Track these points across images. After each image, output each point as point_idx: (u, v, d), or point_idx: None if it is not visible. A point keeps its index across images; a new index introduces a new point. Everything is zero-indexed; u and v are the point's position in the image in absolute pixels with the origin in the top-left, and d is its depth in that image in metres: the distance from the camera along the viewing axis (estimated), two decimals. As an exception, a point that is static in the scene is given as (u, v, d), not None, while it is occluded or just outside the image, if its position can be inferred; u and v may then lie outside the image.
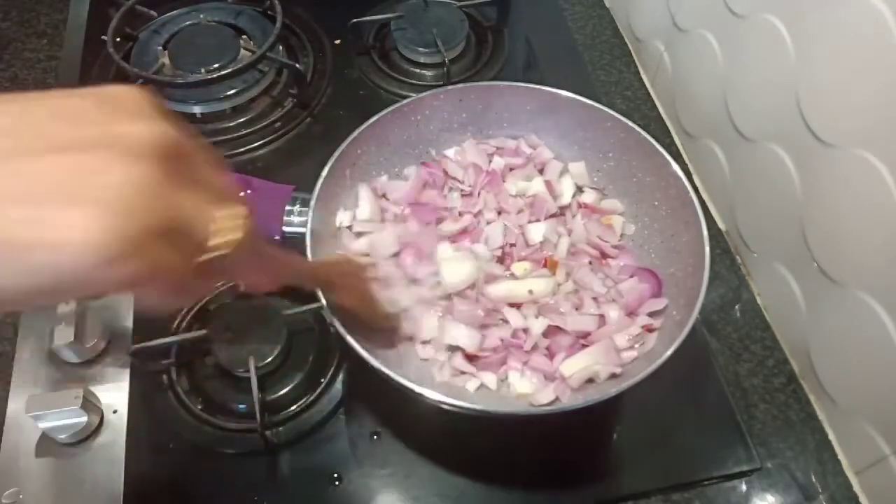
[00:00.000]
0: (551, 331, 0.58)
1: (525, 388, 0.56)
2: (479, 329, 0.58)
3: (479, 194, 0.66)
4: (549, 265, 0.62)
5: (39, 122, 0.26)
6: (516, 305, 0.60)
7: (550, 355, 0.58)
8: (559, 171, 0.68)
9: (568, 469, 0.60)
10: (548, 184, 0.66)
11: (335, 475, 0.58)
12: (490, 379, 0.57)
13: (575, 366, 0.56)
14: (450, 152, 0.70)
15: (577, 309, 0.60)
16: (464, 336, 0.57)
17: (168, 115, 0.30)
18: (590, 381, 0.56)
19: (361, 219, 0.64)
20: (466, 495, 0.58)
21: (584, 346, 0.58)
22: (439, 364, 0.57)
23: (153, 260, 0.27)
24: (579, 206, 0.67)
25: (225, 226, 0.30)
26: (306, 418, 0.61)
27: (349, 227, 0.64)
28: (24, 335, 0.64)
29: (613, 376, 0.55)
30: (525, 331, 0.59)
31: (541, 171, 0.68)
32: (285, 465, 0.59)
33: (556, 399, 0.55)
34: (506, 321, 0.59)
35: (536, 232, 0.64)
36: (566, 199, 0.66)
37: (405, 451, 0.60)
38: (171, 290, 0.30)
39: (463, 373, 0.57)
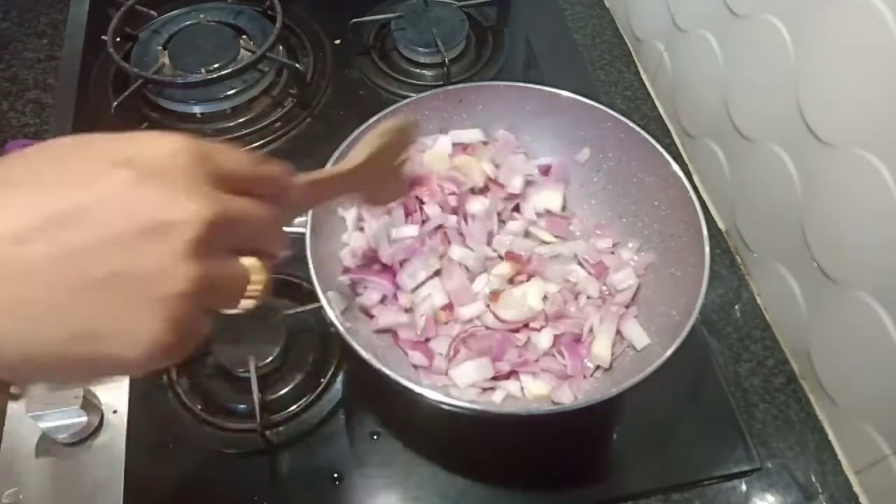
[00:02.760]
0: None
1: (541, 390, 0.57)
2: (491, 358, 0.58)
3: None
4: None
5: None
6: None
7: (568, 353, 0.59)
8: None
9: (568, 469, 0.60)
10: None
11: (335, 475, 0.58)
12: (514, 387, 0.58)
13: (604, 346, 0.58)
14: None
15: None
16: (473, 372, 0.57)
17: (209, 151, 0.29)
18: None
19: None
20: (466, 495, 0.58)
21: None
22: (459, 392, 0.58)
23: (186, 347, 0.29)
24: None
25: (254, 283, 0.32)
26: (306, 418, 0.61)
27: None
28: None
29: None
30: (525, 345, 0.60)
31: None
32: (285, 465, 0.59)
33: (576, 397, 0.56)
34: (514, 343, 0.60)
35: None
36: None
37: (405, 451, 0.60)
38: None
39: (485, 389, 0.58)
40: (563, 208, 0.68)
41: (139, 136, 0.28)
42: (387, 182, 0.52)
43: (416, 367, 0.58)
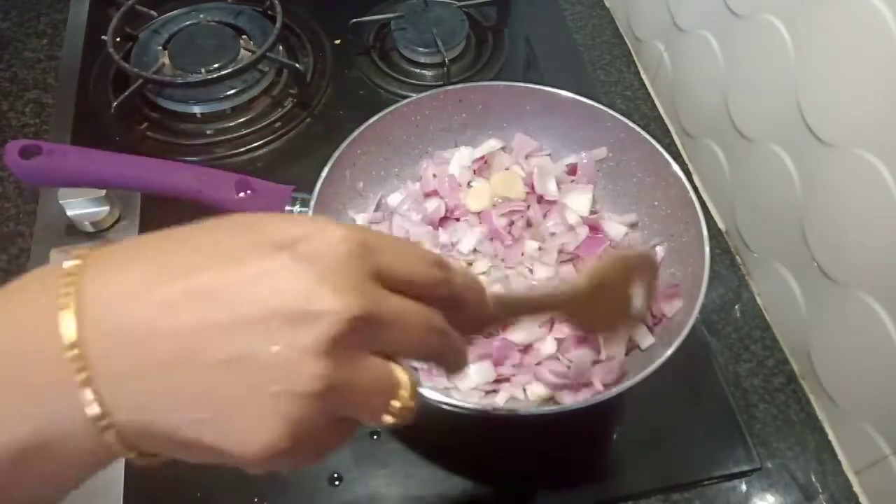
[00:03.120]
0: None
1: (544, 392, 0.57)
2: (492, 361, 0.58)
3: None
4: None
5: (227, 295, 0.25)
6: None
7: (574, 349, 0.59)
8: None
9: (568, 469, 0.60)
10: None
11: (335, 475, 0.58)
12: (517, 389, 0.58)
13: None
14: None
15: None
16: (475, 375, 0.57)
17: (375, 251, 0.27)
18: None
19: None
20: (466, 495, 0.58)
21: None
22: (461, 394, 0.57)
23: (310, 454, 0.27)
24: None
25: (396, 402, 0.28)
26: (306, 418, 0.61)
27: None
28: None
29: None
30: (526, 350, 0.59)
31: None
32: (285, 465, 0.59)
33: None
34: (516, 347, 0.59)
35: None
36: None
37: (405, 451, 0.60)
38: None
39: (488, 392, 0.58)
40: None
41: (308, 220, 0.27)
42: (611, 311, 0.48)
43: (416, 369, 0.58)
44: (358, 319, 0.25)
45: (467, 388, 0.57)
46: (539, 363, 0.58)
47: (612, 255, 0.47)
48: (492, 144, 0.69)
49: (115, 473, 0.57)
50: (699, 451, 0.61)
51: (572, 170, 0.68)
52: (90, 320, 0.24)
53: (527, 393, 0.58)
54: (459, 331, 0.31)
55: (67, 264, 0.25)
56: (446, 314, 0.30)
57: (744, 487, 0.60)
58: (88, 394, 0.24)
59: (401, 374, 0.28)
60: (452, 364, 0.32)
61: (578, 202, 0.66)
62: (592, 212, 0.67)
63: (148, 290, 0.25)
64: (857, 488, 0.61)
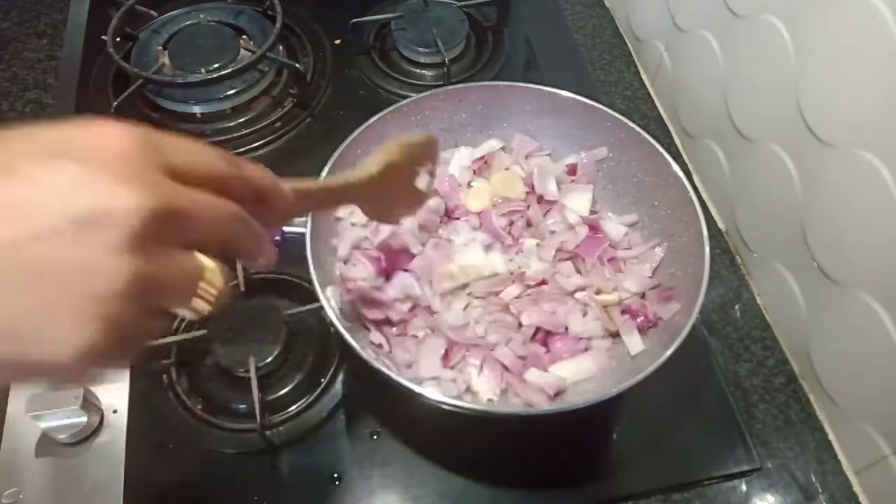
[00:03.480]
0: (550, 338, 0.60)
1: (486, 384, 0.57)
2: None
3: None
4: None
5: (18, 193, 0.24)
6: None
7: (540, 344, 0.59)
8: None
9: (568, 469, 0.60)
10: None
11: (335, 475, 0.58)
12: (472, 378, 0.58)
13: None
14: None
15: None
16: (486, 388, 0.57)
17: (158, 141, 0.28)
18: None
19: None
20: (466, 495, 0.58)
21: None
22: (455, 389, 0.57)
23: (130, 349, 0.27)
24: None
25: (210, 286, 0.29)
26: (306, 418, 0.61)
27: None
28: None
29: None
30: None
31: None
32: (285, 465, 0.59)
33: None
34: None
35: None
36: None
37: (405, 451, 0.60)
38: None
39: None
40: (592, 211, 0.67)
41: (82, 125, 0.26)
42: (398, 198, 0.50)
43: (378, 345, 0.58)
44: (156, 212, 0.25)
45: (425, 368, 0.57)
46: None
47: (396, 142, 0.49)
48: (492, 144, 0.69)
49: (115, 473, 0.57)
50: (699, 451, 0.61)
51: (572, 170, 0.68)
52: None
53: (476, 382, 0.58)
54: (263, 224, 0.32)
55: None
56: (247, 209, 0.31)
57: (744, 487, 0.60)
58: None
59: (207, 262, 0.29)
60: (255, 252, 0.33)
61: (578, 202, 0.66)
62: (592, 212, 0.67)
63: None
64: (857, 488, 0.61)
